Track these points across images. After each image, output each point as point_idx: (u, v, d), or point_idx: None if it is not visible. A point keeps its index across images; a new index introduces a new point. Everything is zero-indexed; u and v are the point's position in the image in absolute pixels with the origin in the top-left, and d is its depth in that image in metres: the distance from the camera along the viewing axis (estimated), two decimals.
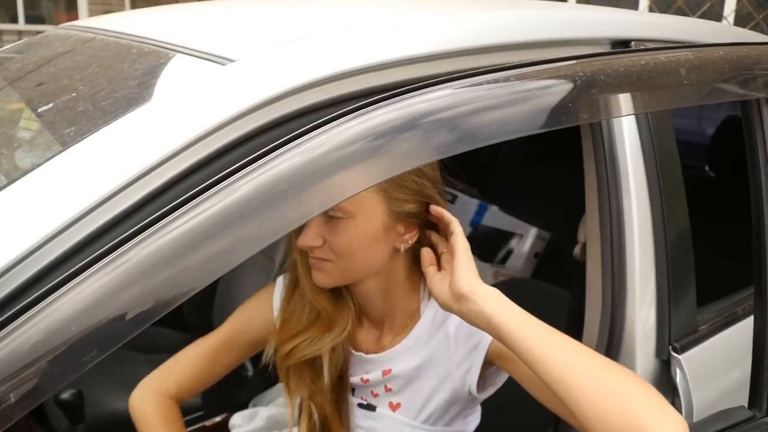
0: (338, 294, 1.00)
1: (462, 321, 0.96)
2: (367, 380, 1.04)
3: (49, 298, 0.57)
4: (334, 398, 1.04)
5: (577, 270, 1.18)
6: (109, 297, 0.59)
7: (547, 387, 0.78)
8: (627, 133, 1.07)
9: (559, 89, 0.77)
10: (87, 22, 1.27)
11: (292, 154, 0.66)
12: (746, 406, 0.94)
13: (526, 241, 2.43)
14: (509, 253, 2.46)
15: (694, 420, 1.04)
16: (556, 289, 1.73)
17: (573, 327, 1.16)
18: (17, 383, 0.56)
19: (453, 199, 2.55)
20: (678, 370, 1.05)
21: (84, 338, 0.57)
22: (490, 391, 1.02)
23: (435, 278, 0.90)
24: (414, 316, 1.01)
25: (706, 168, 2.34)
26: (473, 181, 2.65)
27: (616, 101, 0.80)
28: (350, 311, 1.02)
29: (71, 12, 8.89)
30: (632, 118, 1.07)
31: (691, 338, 1.09)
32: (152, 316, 0.62)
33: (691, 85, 0.83)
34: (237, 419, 1.44)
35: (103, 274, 0.59)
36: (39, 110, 0.79)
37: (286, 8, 1.11)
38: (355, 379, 1.05)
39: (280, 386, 1.59)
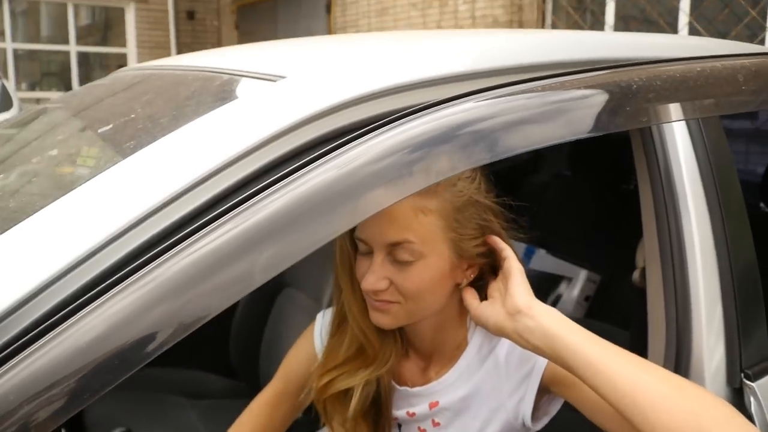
0: (385, 330, 0.98)
1: (513, 348, 0.93)
2: (414, 414, 1.00)
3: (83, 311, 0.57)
4: (372, 431, 1.01)
5: (637, 297, 1.14)
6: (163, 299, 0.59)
7: (613, 406, 0.73)
8: (682, 152, 1.05)
9: (611, 95, 0.76)
10: (145, 64, 1.32)
11: (326, 168, 0.66)
12: None
13: (576, 284, 2.38)
14: (559, 297, 2.40)
15: None
16: (611, 328, 1.67)
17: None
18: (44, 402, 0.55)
19: None
20: (752, 399, 0.99)
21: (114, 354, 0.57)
22: (544, 421, 0.97)
23: (481, 307, 0.88)
24: (460, 347, 0.99)
25: (761, 205, 2.27)
26: (519, 224, 2.62)
27: (674, 107, 0.78)
28: (395, 346, 1.00)
29: None
30: (687, 135, 1.05)
31: (764, 365, 1.03)
32: (198, 322, 0.62)
33: (750, 92, 0.81)
34: None
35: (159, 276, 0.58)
36: (100, 131, 0.82)
37: (338, 41, 1.14)
38: (400, 413, 1.02)
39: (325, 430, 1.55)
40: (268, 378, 2.06)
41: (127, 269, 0.61)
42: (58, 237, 0.63)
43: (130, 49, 9.49)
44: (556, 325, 0.78)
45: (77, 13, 9.69)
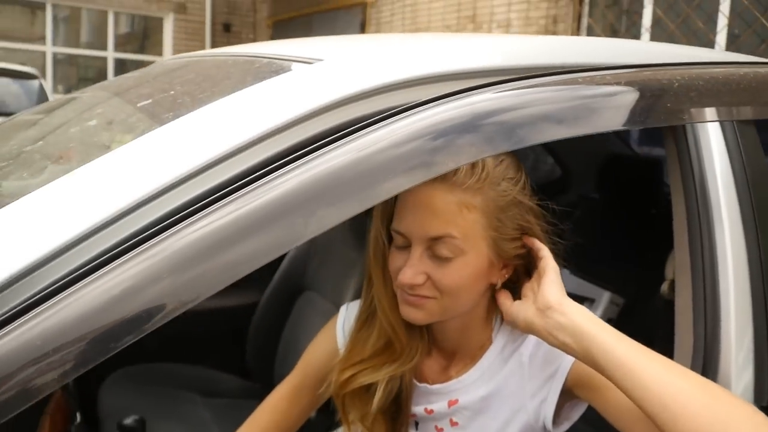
0: (413, 326, 0.97)
1: (538, 348, 0.92)
2: (432, 411, 0.99)
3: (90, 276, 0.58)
4: (390, 428, 1.00)
5: (665, 310, 1.11)
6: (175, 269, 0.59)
7: (642, 408, 0.72)
8: (718, 161, 1.03)
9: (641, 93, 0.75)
10: (187, 54, 1.34)
11: (344, 150, 0.67)
12: None
13: (599, 306, 2.34)
14: None
15: None
16: None
17: None
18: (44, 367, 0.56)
19: None
20: None
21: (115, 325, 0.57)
22: (565, 426, 0.95)
23: (514, 306, 0.87)
24: (483, 347, 0.97)
25: None
26: (560, 228, 2.59)
27: (711, 109, 0.77)
28: (421, 343, 0.98)
29: None
30: (723, 145, 1.03)
31: None
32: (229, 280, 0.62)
33: None
34: None
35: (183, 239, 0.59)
36: (139, 105, 0.83)
37: (379, 37, 1.15)
38: (418, 410, 1.00)
39: (341, 430, 1.54)
40: (282, 379, 2.05)
41: (149, 234, 0.61)
42: (73, 207, 0.64)
43: (167, 55, 9.68)
44: (587, 322, 0.77)
45: (117, 20, 9.93)
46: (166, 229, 0.63)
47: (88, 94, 1.13)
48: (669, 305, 1.09)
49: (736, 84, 0.77)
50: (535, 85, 0.77)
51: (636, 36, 5.68)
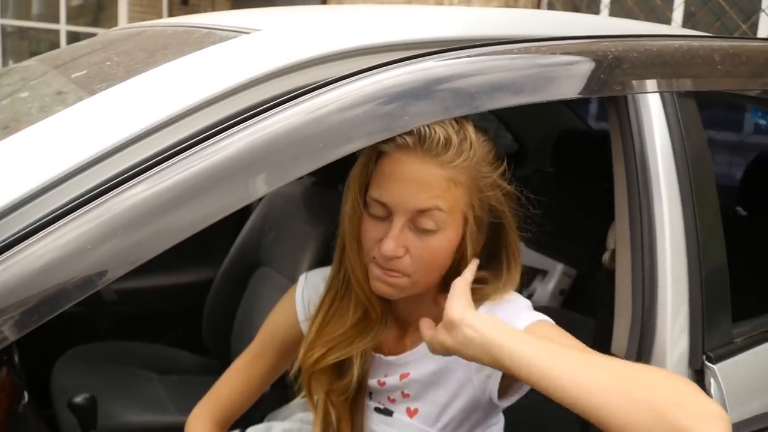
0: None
1: None
2: (384, 383, 1.00)
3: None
4: (349, 400, 1.01)
5: (606, 279, 1.14)
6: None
7: (566, 407, 0.73)
8: (658, 136, 1.06)
9: (585, 64, 0.76)
10: (131, 24, 1.31)
11: (293, 112, 0.66)
12: None
13: (552, 277, 2.39)
14: (534, 289, 2.41)
15: None
16: (583, 318, 1.68)
17: (602, 337, 1.11)
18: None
19: None
20: (712, 381, 1.00)
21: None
22: (513, 399, 0.97)
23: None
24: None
25: (738, 208, 2.30)
26: (529, 217, 2.63)
27: (650, 81, 0.79)
28: (388, 309, 0.99)
29: None
30: (664, 120, 1.06)
31: (726, 349, 1.04)
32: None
33: (725, 72, 0.81)
34: None
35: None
36: (73, 75, 0.81)
37: (324, 8, 1.14)
38: (372, 382, 1.01)
39: (295, 403, 1.54)
40: (239, 355, 2.05)
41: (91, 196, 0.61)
42: (19, 166, 0.63)
43: (109, 30, 9.42)
44: (494, 332, 0.76)
45: None
46: (109, 191, 0.63)
47: (24, 64, 1.10)
48: (610, 275, 1.12)
49: (680, 57, 0.79)
50: (488, 53, 0.77)
51: (596, 12, 5.72)
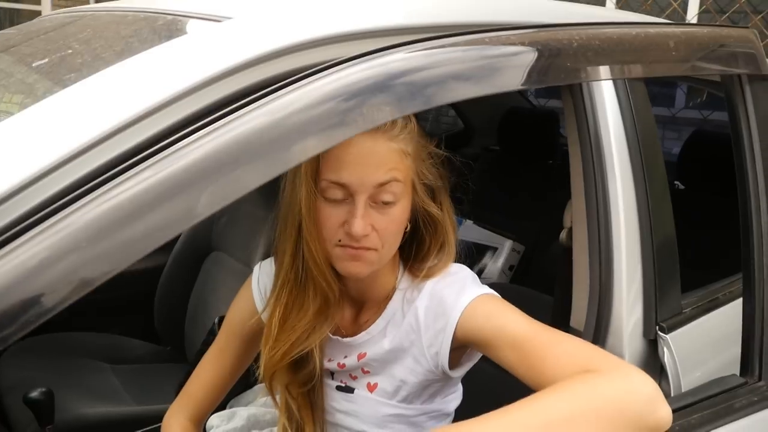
0: (339, 277, 0.96)
1: (431, 300, 0.95)
2: (344, 365, 1.02)
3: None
4: (308, 389, 1.02)
5: (563, 256, 1.19)
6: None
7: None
8: (611, 117, 1.10)
9: (542, 52, 0.79)
10: (77, 7, 1.26)
11: (257, 114, 0.65)
12: (738, 374, 0.95)
13: (501, 254, 2.45)
14: (484, 266, 2.47)
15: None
16: (532, 292, 1.74)
17: (560, 311, 1.16)
18: None
19: None
20: (665, 350, 1.06)
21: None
22: (465, 368, 1.00)
23: None
24: (389, 294, 1.00)
25: (676, 182, 2.41)
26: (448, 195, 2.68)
27: (605, 67, 0.82)
28: (343, 294, 0.99)
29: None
30: (615, 102, 1.10)
31: (676, 319, 1.10)
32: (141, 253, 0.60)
33: (679, 57, 0.85)
34: (215, 420, 1.38)
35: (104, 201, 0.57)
36: (34, 65, 0.78)
37: None
38: (332, 365, 1.02)
39: (258, 388, 1.55)
40: (193, 342, 2.04)
41: (42, 214, 0.58)
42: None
43: (45, 6, 8.96)
44: None
45: None
46: (74, 202, 0.59)
47: None
48: (567, 252, 1.17)
49: (628, 44, 0.82)
50: (444, 45, 0.78)
51: None
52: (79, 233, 0.58)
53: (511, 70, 0.80)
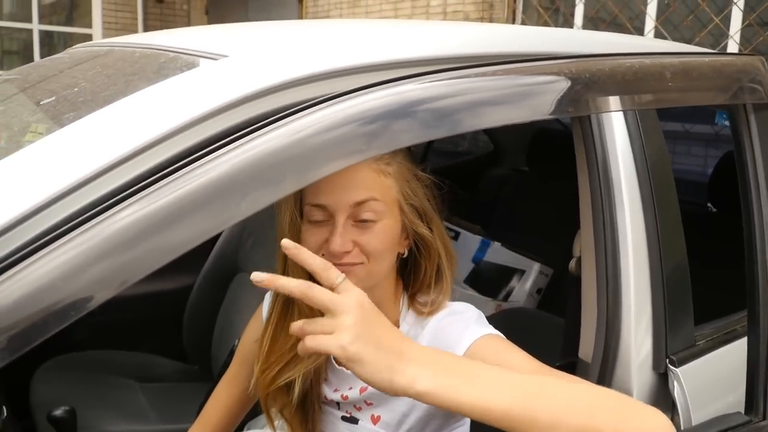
0: None
1: (433, 340, 0.95)
2: (347, 397, 1.02)
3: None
4: (301, 410, 1.03)
5: (573, 285, 1.17)
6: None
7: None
8: (619, 146, 1.08)
9: (553, 84, 0.79)
10: (99, 41, 1.31)
11: (277, 134, 0.68)
12: (743, 412, 0.92)
13: (529, 277, 2.42)
14: (512, 289, 2.44)
15: None
16: (553, 318, 1.72)
17: (569, 342, 1.14)
18: None
19: (456, 236, 2.56)
20: (676, 384, 1.04)
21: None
22: None
23: None
24: (396, 321, 1.01)
25: (709, 205, 2.35)
26: (476, 218, 2.66)
27: (600, 99, 0.82)
28: None
29: None
30: (624, 131, 1.09)
31: (688, 352, 1.08)
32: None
33: (676, 88, 0.84)
34: None
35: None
36: (42, 102, 0.82)
37: (286, 26, 1.15)
38: (336, 396, 1.03)
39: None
40: (220, 362, 2.07)
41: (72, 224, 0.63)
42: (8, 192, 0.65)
43: (96, 30, 9.30)
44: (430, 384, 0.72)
45: None
46: (99, 215, 0.64)
47: None
48: (576, 281, 1.15)
49: (631, 74, 0.82)
50: (462, 76, 0.80)
51: (572, 6, 5.77)
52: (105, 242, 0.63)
53: (533, 99, 0.81)
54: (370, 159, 0.88)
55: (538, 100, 0.87)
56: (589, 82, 0.77)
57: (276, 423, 1.34)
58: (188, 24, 9.84)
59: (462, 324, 0.94)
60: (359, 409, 1.03)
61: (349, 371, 1.01)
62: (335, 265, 0.91)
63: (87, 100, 0.84)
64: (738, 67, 0.91)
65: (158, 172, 0.67)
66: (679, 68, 0.84)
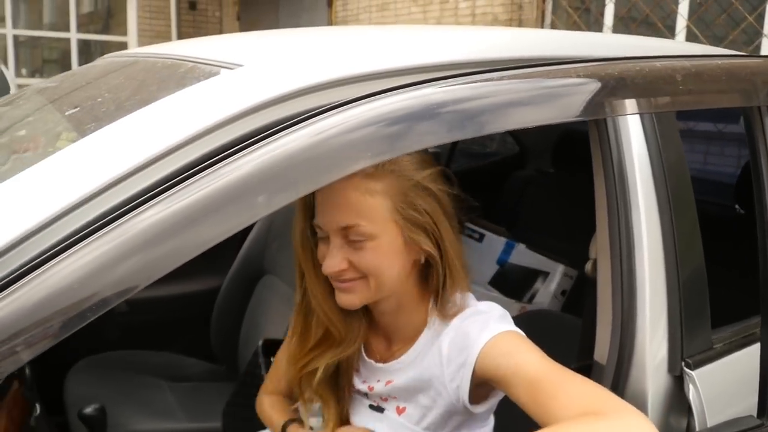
0: (348, 311, 1.03)
1: (455, 336, 0.98)
2: (373, 388, 1.06)
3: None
4: (335, 393, 1.08)
5: (589, 287, 1.18)
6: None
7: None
8: (635, 148, 1.08)
9: (576, 87, 0.80)
10: (126, 51, 1.36)
11: (301, 134, 0.73)
12: (755, 415, 0.91)
13: (554, 278, 2.41)
14: (536, 291, 2.44)
15: None
16: (576, 320, 1.71)
17: (586, 344, 1.15)
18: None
19: (480, 238, 2.56)
20: (691, 387, 1.03)
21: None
22: (487, 405, 1.01)
23: None
24: (419, 328, 1.03)
25: (737, 207, 2.31)
26: (501, 219, 2.66)
27: (618, 103, 0.82)
28: (360, 327, 1.05)
29: None
30: (640, 133, 1.09)
31: (704, 355, 1.07)
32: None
33: (688, 91, 0.84)
34: None
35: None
36: (68, 113, 0.86)
37: (300, 35, 1.18)
38: (364, 387, 1.07)
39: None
40: (246, 361, 2.10)
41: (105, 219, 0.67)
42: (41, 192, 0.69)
43: (131, 37, 9.52)
44: None
45: (79, 0, 9.71)
46: (132, 210, 0.68)
47: (25, 99, 1.15)
48: (593, 283, 1.16)
49: (641, 78, 0.82)
50: (482, 80, 0.82)
51: (601, 7, 5.71)
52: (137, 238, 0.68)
53: (559, 101, 0.83)
54: (357, 178, 0.90)
55: (563, 101, 0.88)
56: (608, 85, 0.78)
57: (311, 421, 1.38)
58: (220, 30, 9.99)
59: (482, 321, 0.96)
60: (385, 400, 1.06)
61: (378, 364, 1.04)
62: (337, 282, 0.95)
63: (110, 110, 0.87)
64: (752, 69, 0.91)
65: (183, 173, 0.71)
66: (692, 71, 0.84)
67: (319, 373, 1.04)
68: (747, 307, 1.26)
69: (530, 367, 0.87)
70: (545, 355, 0.89)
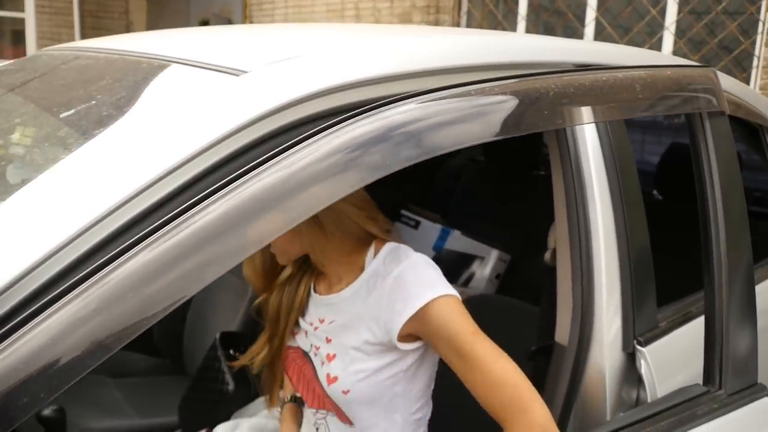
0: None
1: (397, 284, 1.05)
2: (317, 328, 1.16)
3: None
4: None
5: (548, 274, 1.27)
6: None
7: None
8: (591, 146, 1.18)
9: (526, 101, 0.87)
10: (77, 43, 1.32)
11: (276, 168, 0.72)
12: (701, 383, 1.04)
13: (488, 263, 2.53)
14: (472, 275, 2.55)
15: None
16: (520, 303, 1.82)
17: (546, 328, 1.24)
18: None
19: (416, 225, 2.64)
20: (643, 362, 1.15)
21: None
22: (416, 345, 1.09)
23: None
24: (355, 273, 1.13)
25: (654, 192, 2.50)
26: (436, 207, 2.75)
27: (579, 112, 0.90)
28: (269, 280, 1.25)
29: (19, 47, 8.81)
30: (595, 133, 1.19)
31: (652, 333, 1.19)
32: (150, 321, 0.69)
33: (645, 99, 0.94)
34: (219, 430, 1.46)
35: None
36: (61, 116, 0.84)
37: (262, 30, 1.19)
38: (307, 326, 1.19)
39: (260, 400, 1.62)
40: (192, 355, 2.09)
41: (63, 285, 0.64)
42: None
43: (29, 14, 8.93)
44: None
45: None
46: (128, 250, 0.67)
47: None
48: (552, 271, 1.25)
49: (607, 88, 0.91)
50: (439, 98, 0.85)
51: (513, 24, 5.92)
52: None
53: (500, 118, 0.88)
54: None
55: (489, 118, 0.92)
56: (563, 95, 0.86)
57: (266, 411, 1.42)
58: (126, 8, 9.55)
59: (428, 280, 1.06)
60: (318, 348, 1.16)
61: (321, 296, 1.18)
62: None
63: (100, 120, 0.87)
64: (694, 78, 1.02)
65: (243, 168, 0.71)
66: (648, 81, 0.94)
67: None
68: (675, 288, 1.40)
69: (464, 337, 0.99)
70: (475, 324, 1.01)
